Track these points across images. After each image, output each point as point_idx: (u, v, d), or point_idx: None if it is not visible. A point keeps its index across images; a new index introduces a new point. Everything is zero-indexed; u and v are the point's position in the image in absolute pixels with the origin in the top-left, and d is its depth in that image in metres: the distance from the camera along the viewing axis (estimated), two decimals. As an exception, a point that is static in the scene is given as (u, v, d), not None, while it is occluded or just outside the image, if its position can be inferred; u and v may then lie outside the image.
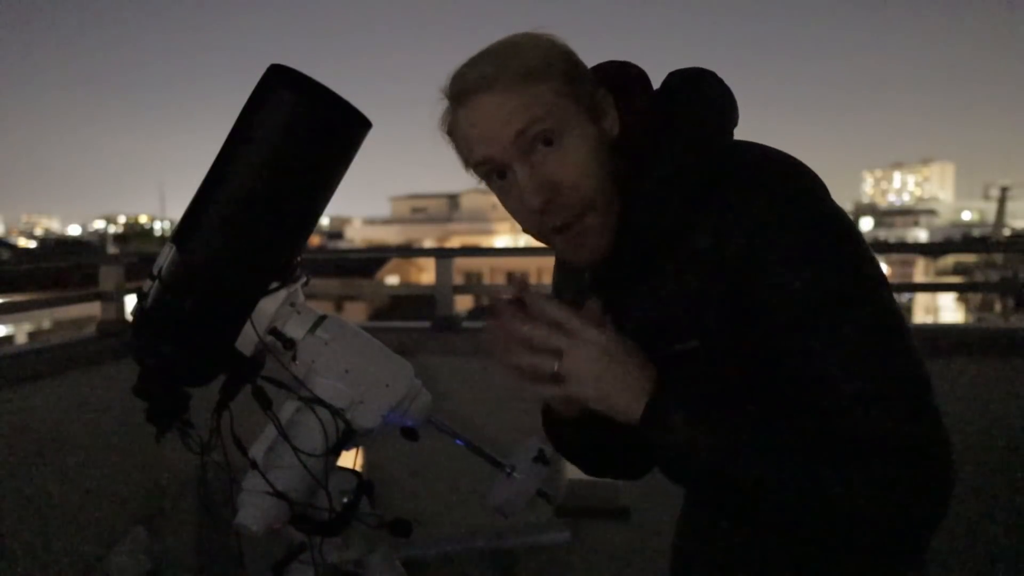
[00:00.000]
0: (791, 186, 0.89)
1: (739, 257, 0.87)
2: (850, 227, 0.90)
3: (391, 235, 44.57)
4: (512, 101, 0.87)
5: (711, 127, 0.93)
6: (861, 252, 0.88)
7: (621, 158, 0.92)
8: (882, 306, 0.85)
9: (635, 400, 0.86)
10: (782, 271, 0.85)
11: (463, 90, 0.89)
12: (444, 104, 0.93)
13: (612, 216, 0.92)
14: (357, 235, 48.94)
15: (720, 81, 0.96)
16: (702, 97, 0.94)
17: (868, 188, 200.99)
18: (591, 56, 0.97)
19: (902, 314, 0.88)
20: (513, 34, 0.92)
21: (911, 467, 0.80)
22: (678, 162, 0.91)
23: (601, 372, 0.85)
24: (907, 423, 0.81)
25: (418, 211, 48.00)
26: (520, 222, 0.96)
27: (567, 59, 0.90)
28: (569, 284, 1.12)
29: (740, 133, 1.01)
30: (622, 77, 0.96)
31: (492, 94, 0.87)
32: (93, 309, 3.05)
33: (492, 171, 0.92)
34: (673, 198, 0.91)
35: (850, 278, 0.85)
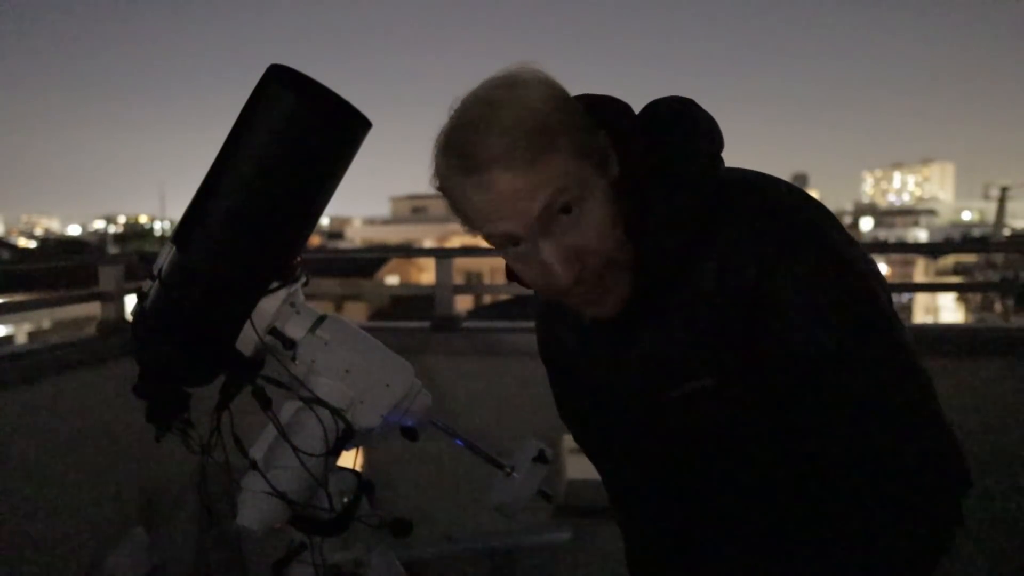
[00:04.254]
0: (798, 220, 0.89)
1: (750, 294, 0.88)
2: (856, 256, 0.91)
3: (391, 235, 44.54)
4: (533, 178, 0.82)
5: (705, 161, 0.92)
6: (871, 286, 0.90)
7: (624, 198, 0.89)
8: (895, 356, 0.89)
9: None
10: (799, 318, 0.87)
11: (474, 164, 0.83)
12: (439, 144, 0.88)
13: (628, 264, 0.90)
14: (357, 235, 48.93)
15: (702, 109, 0.94)
16: (691, 130, 0.93)
17: (868, 188, 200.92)
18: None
19: (911, 347, 0.91)
20: (508, 78, 0.86)
21: (925, 529, 0.89)
22: (678, 200, 0.90)
23: None
24: (918, 454, 0.88)
25: (418, 211, 47.97)
26: (537, 288, 0.93)
27: (569, 109, 0.85)
28: (563, 323, 1.08)
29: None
30: (614, 114, 0.93)
31: (508, 172, 0.82)
32: (93, 309, 3.04)
33: (507, 242, 0.88)
34: (676, 235, 0.90)
35: (864, 325, 0.88)
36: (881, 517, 0.88)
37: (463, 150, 0.84)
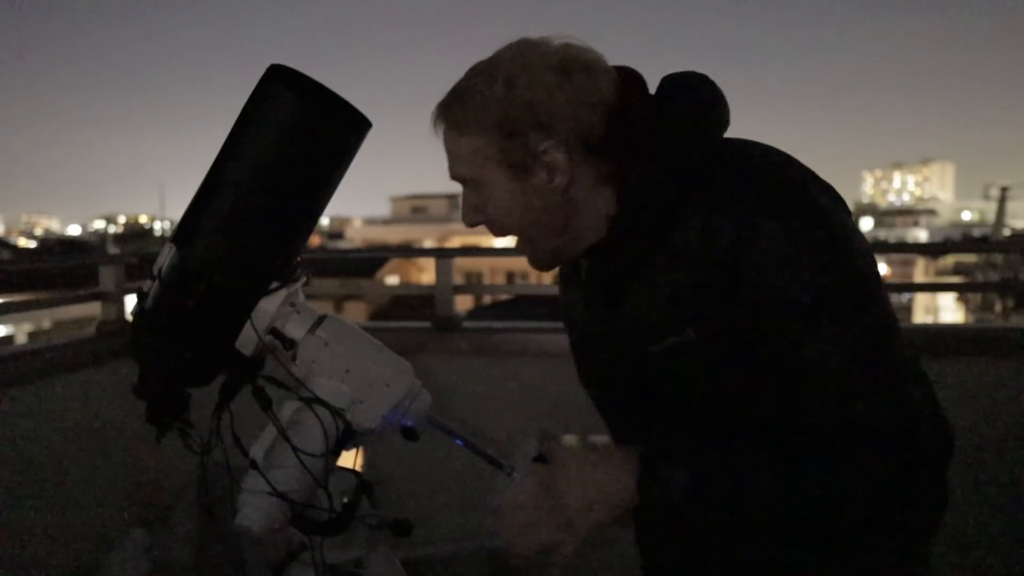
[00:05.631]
0: (779, 180, 0.93)
1: (729, 251, 0.90)
2: (838, 224, 0.93)
3: (391, 235, 44.53)
4: (453, 141, 1.01)
5: (695, 127, 0.96)
6: (851, 248, 0.92)
7: (611, 160, 0.98)
8: (868, 307, 0.91)
9: (624, 493, 0.96)
10: (776, 273, 0.89)
11: (435, 117, 1.02)
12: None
13: (553, 243, 1.03)
14: (357, 235, 48.89)
15: (711, 84, 1.00)
16: (689, 99, 0.98)
17: (868, 188, 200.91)
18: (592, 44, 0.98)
19: (886, 305, 0.93)
20: (499, 61, 0.98)
21: (879, 455, 0.89)
22: (662, 160, 0.95)
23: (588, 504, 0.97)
24: (882, 416, 0.89)
25: (418, 211, 47.97)
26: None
27: (506, 116, 0.96)
28: (574, 283, 1.16)
29: (740, 132, 1.01)
30: (626, 87, 1.00)
31: (446, 129, 1.01)
32: (93, 309, 3.04)
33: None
34: (659, 194, 0.95)
35: (839, 282, 0.89)
36: (838, 468, 0.91)
37: (437, 108, 1.02)
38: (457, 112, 0.99)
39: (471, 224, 1.05)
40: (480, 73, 0.98)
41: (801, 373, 0.90)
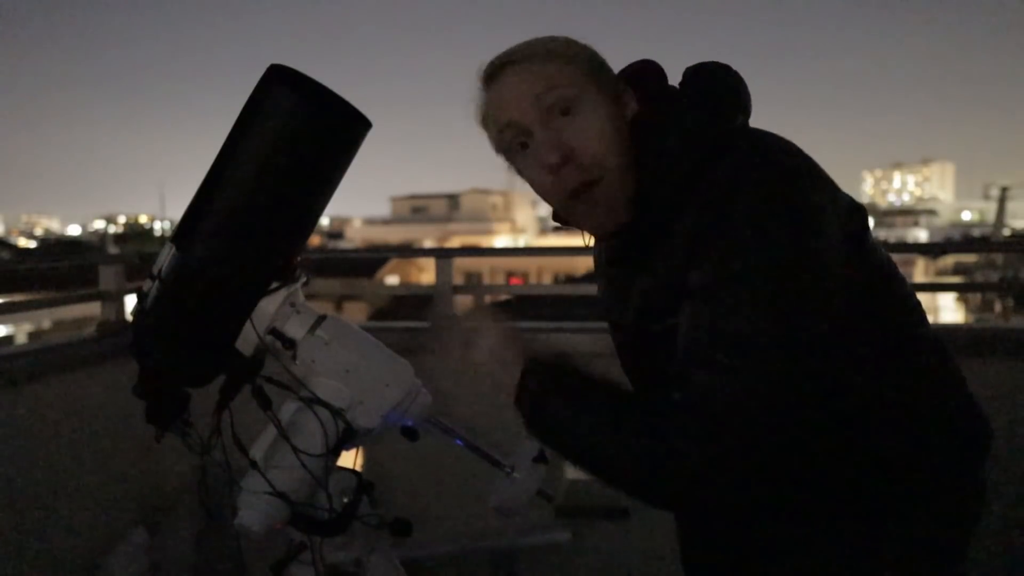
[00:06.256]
0: (765, 172, 0.91)
1: (691, 234, 0.92)
2: (813, 219, 0.90)
3: (391, 235, 44.55)
4: (537, 71, 0.98)
5: (709, 111, 0.98)
6: (809, 247, 0.89)
7: (636, 139, 1.00)
8: (784, 306, 0.88)
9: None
10: (708, 253, 0.90)
11: (494, 67, 1.01)
12: (478, 98, 1.03)
13: (626, 186, 0.99)
14: (357, 235, 48.91)
15: (732, 72, 1.02)
16: (708, 85, 1.00)
17: (868, 188, 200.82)
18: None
19: (813, 319, 0.89)
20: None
21: (679, 424, 0.88)
22: (675, 140, 0.96)
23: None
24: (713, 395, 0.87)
25: (418, 211, 47.99)
26: (539, 191, 1.03)
27: (590, 54, 1.00)
28: (600, 261, 1.19)
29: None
30: (641, 71, 1.05)
31: (518, 67, 0.99)
32: (93, 309, 3.04)
33: (516, 140, 1.01)
34: (673, 174, 0.96)
35: (771, 266, 0.87)
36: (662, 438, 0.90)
37: (491, 64, 1.01)
38: (548, 44, 0.99)
39: (551, 164, 0.97)
40: (533, 39, 1.01)
41: (688, 328, 0.91)
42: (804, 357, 0.89)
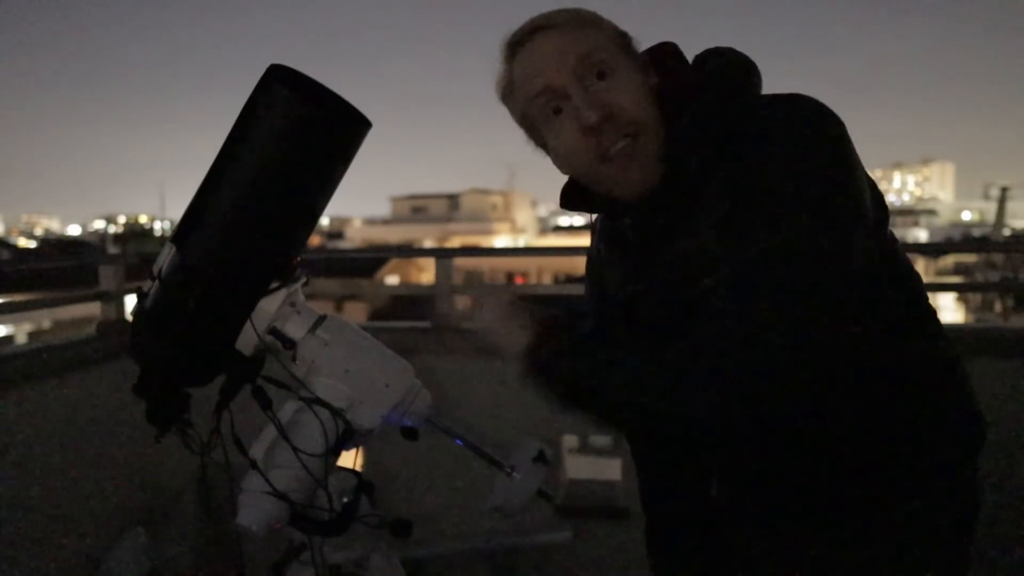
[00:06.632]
0: (810, 124, 0.92)
1: (732, 184, 0.92)
2: (838, 182, 0.91)
3: (391, 235, 44.54)
4: (570, 36, 0.98)
5: (737, 79, 1.00)
6: (851, 179, 0.91)
7: (664, 107, 1.00)
8: (815, 253, 0.87)
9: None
10: (750, 218, 0.89)
11: (522, 35, 1.00)
12: (498, 70, 1.03)
13: (658, 144, 0.99)
14: (357, 235, 48.89)
15: (742, 53, 1.04)
16: (728, 59, 1.02)
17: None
18: None
19: (843, 254, 0.89)
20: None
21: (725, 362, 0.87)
22: (710, 103, 0.97)
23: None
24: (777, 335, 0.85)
25: (418, 211, 47.98)
26: (571, 157, 1.01)
27: (615, 26, 1.02)
28: (612, 242, 1.15)
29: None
30: (657, 51, 1.06)
31: (551, 32, 0.98)
32: (93, 309, 3.04)
33: (547, 105, 0.99)
34: (706, 132, 0.96)
35: (804, 231, 0.88)
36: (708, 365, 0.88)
37: (517, 33, 1.01)
38: (577, 12, 1.00)
39: (592, 123, 0.96)
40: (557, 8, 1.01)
41: (739, 260, 0.90)
42: (856, 273, 0.90)
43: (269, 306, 0.99)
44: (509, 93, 1.04)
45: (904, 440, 1.02)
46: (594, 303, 1.22)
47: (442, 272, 3.25)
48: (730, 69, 1.01)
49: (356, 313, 15.51)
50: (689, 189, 0.98)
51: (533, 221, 49.96)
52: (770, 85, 1.02)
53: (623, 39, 1.01)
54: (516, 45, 1.00)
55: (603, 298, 1.18)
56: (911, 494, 1.03)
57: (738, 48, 1.04)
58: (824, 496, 1.05)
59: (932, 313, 1.09)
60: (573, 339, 0.98)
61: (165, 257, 0.97)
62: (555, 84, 0.97)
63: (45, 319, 14.32)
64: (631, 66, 1.00)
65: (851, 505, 1.04)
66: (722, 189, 0.95)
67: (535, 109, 1.01)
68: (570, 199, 1.10)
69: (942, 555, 1.05)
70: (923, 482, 1.03)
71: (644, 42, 1.05)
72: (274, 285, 0.99)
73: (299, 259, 1.03)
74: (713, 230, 0.95)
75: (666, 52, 1.06)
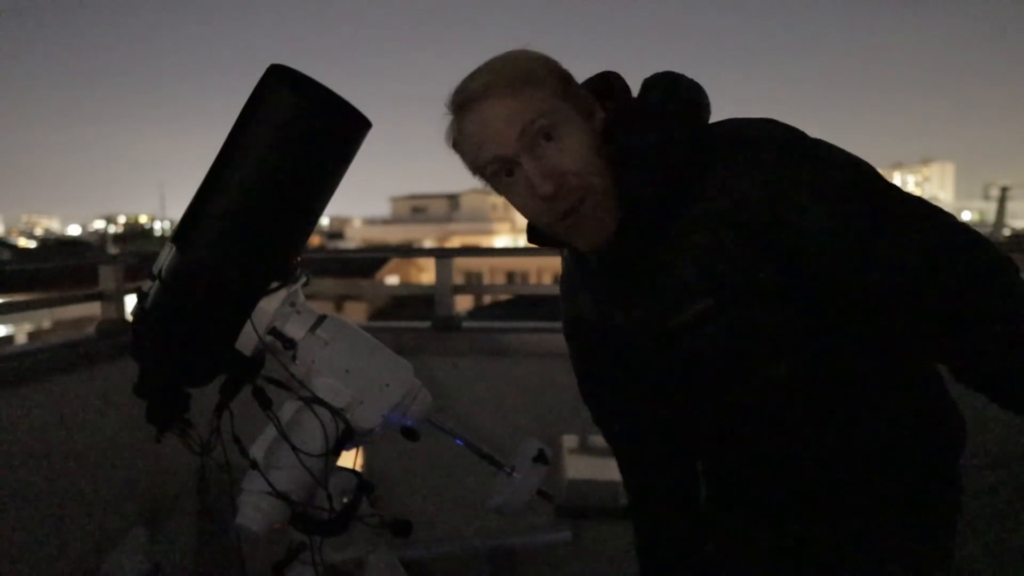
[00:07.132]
0: (788, 136, 0.96)
1: (761, 205, 0.92)
2: (848, 157, 0.96)
3: (391, 235, 44.52)
4: (513, 103, 0.95)
5: (681, 106, 0.99)
6: (868, 170, 0.96)
7: (609, 146, 0.99)
8: (911, 197, 0.96)
9: None
10: (819, 208, 0.91)
11: (466, 99, 0.97)
12: (447, 120, 1.00)
13: (611, 199, 0.99)
14: (357, 235, 48.87)
15: (688, 79, 1.03)
16: (672, 87, 1.01)
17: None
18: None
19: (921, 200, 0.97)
20: (507, 51, 1.00)
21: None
22: (654, 135, 0.97)
23: None
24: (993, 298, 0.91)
25: (418, 211, 47.97)
26: (529, 215, 1.02)
27: (557, 69, 0.99)
28: (579, 285, 1.17)
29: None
30: (602, 83, 1.04)
31: (494, 99, 0.96)
32: (93, 309, 3.04)
33: (500, 170, 0.98)
34: (658, 165, 0.97)
35: (879, 198, 0.94)
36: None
37: (460, 94, 0.98)
38: (516, 67, 0.96)
39: (548, 193, 0.96)
40: (501, 57, 0.99)
41: (879, 287, 0.92)
42: None
43: (269, 306, 0.99)
44: (458, 144, 1.02)
45: (902, 443, 1.04)
46: (569, 328, 1.24)
47: (442, 272, 3.25)
48: (673, 98, 1.00)
49: (356, 313, 15.52)
50: (650, 225, 0.99)
51: (533, 221, 49.71)
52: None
53: (566, 86, 0.98)
54: (462, 105, 0.98)
55: (577, 324, 1.20)
56: (907, 494, 1.05)
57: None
58: (822, 497, 1.07)
59: None
60: None
61: (165, 257, 0.97)
62: (505, 155, 0.96)
63: (45, 319, 14.32)
64: (576, 119, 0.98)
65: (850, 507, 1.06)
66: (696, 222, 0.95)
67: (488, 172, 1.00)
68: (536, 234, 1.09)
69: (932, 549, 1.07)
70: (917, 482, 1.05)
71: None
72: (274, 285, 0.99)
73: (299, 259, 1.03)
74: (689, 260, 0.97)
75: (611, 85, 1.05)
